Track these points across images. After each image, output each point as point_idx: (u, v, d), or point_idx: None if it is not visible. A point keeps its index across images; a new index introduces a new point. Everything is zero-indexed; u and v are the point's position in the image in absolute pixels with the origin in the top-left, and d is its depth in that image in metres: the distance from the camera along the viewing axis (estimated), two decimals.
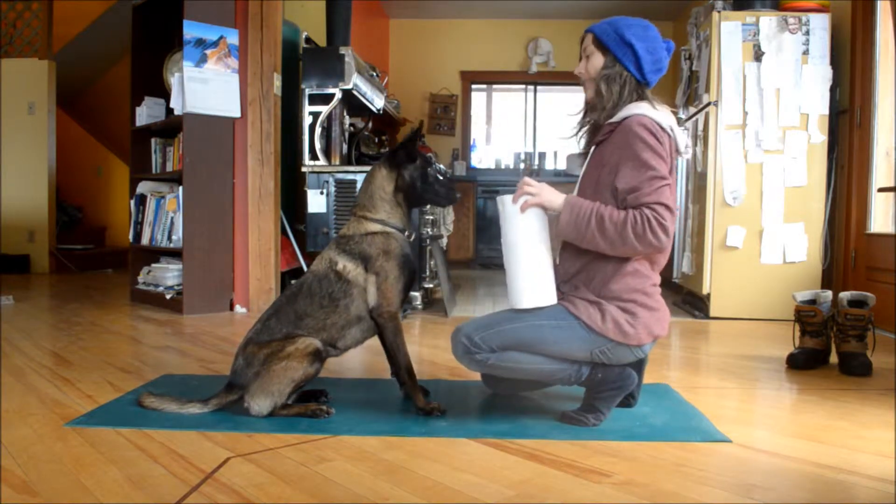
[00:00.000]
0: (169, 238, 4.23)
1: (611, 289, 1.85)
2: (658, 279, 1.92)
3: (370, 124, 5.26)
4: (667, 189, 1.78)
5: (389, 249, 2.01)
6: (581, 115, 2.05)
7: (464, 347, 1.89)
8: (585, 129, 2.04)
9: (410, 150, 2.07)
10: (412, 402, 2.01)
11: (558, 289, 1.90)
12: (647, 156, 1.78)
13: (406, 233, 2.08)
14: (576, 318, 1.84)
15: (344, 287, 1.98)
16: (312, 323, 1.97)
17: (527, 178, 1.89)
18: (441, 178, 2.12)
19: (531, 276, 1.85)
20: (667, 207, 1.76)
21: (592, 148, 1.96)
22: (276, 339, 1.94)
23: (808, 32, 3.90)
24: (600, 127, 1.96)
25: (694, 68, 4.43)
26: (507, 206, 1.87)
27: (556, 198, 1.86)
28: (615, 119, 1.89)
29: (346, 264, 2.00)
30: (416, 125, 2.17)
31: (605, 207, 1.80)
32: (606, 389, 1.90)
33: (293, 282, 2.05)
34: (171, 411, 1.96)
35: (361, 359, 2.77)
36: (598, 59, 1.93)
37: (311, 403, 1.99)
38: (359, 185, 4.07)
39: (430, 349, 3.02)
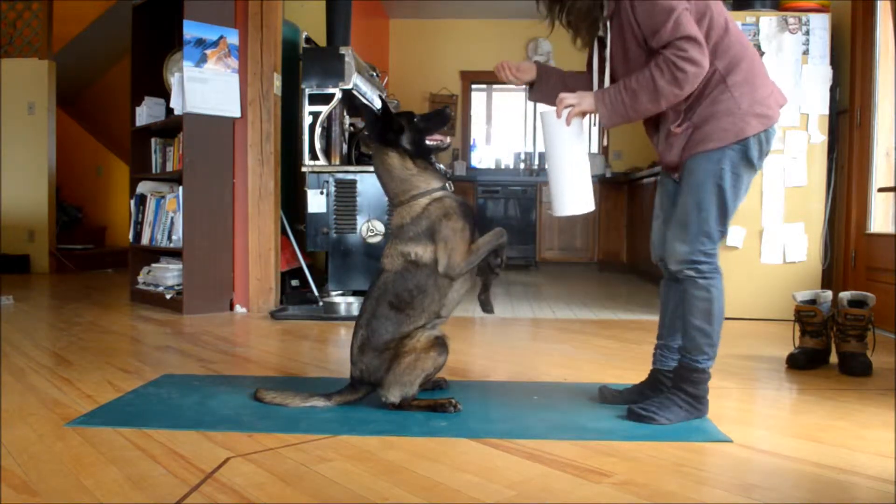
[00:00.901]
0: (169, 238, 4.23)
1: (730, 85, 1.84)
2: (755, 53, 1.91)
3: None
4: (684, 16, 1.77)
5: (447, 209, 2.05)
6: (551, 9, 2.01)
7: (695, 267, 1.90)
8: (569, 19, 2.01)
9: (391, 123, 2.09)
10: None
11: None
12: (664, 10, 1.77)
13: (445, 185, 2.12)
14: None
15: (425, 271, 2.02)
16: (413, 311, 2.02)
17: (563, 94, 1.93)
18: (425, 118, 2.14)
19: (574, 185, 1.95)
20: (687, 38, 1.75)
21: (608, 29, 1.95)
22: (388, 339, 2.01)
23: (808, 32, 3.90)
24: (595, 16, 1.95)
25: None
26: (551, 119, 1.95)
27: (592, 99, 1.90)
28: None
29: (416, 250, 2.03)
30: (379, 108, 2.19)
31: (630, 77, 1.83)
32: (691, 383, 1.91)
33: (375, 283, 2.11)
34: (296, 405, 2.03)
35: None
36: None
37: (439, 398, 2.04)
38: (359, 186, 4.08)
39: None
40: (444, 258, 2.01)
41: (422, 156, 2.11)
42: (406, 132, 2.09)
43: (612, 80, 1.99)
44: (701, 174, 1.87)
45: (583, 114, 1.93)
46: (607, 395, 2.14)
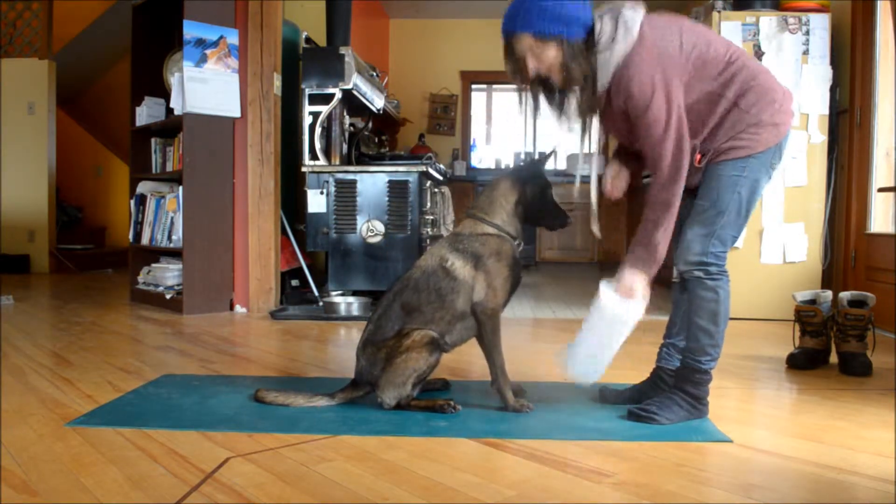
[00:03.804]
0: (169, 238, 4.23)
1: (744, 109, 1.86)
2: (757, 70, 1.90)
3: (370, 124, 5.26)
4: (665, 136, 1.80)
5: (502, 251, 2.06)
6: (565, 108, 2.00)
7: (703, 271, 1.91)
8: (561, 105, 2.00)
9: (538, 169, 2.13)
10: (502, 400, 2.03)
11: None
12: (647, 111, 1.81)
13: (517, 241, 2.12)
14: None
15: (451, 283, 2.02)
16: (420, 317, 2.02)
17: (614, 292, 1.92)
18: (556, 203, 2.16)
19: (595, 357, 1.97)
20: (667, 163, 1.81)
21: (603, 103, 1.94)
22: (391, 336, 2.01)
23: (808, 32, 3.90)
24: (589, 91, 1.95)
25: None
26: (618, 314, 1.92)
27: (628, 273, 1.89)
28: (612, 67, 1.85)
29: (455, 261, 2.04)
30: (551, 150, 2.22)
31: (638, 231, 1.88)
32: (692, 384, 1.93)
33: (400, 277, 2.11)
34: (299, 405, 2.03)
35: None
36: (550, 51, 1.85)
37: (438, 399, 2.04)
38: (359, 186, 4.08)
39: None
40: (482, 290, 2.02)
41: (525, 209, 2.11)
42: (536, 184, 2.10)
43: (607, 132, 2.04)
44: (723, 180, 1.89)
45: (638, 287, 1.89)
46: (608, 396, 2.15)
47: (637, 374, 2.32)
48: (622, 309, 1.90)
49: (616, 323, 1.92)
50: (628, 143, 2.04)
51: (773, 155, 1.91)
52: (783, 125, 1.89)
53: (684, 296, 2.11)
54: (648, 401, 1.98)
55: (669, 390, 2.00)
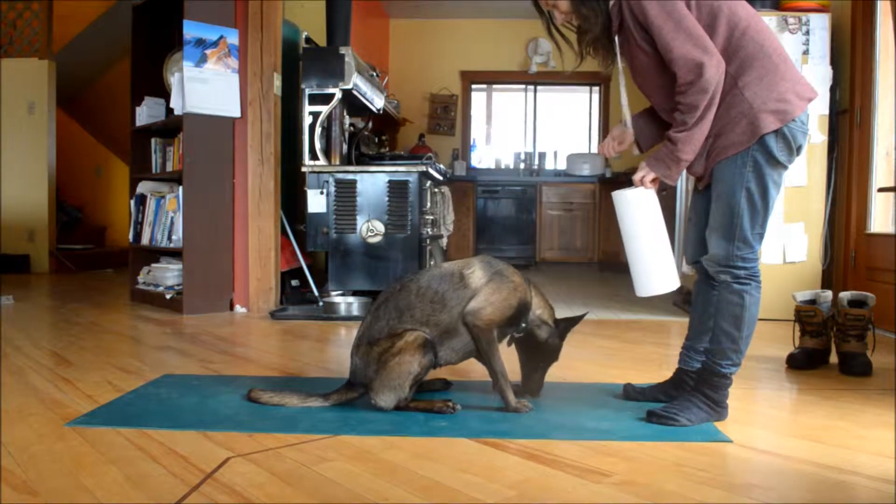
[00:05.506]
0: (169, 238, 4.23)
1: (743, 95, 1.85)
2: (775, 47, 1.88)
3: (370, 124, 5.26)
4: (679, 38, 1.79)
5: (518, 290, 2.07)
6: (580, 42, 2.07)
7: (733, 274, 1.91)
8: (590, 46, 2.06)
9: (563, 331, 2.19)
10: (503, 400, 2.03)
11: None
12: (657, 24, 1.82)
13: (524, 324, 2.11)
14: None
15: (460, 292, 2.02)
16: (409, 320, 2.01)
17: (636, 177, 1.98)
18: (542, 376, 2.19)
19: (655, 265, 1.97)
20: (684, 57, 1.79)
21: (617, 44, 1.99)
22: (384, 336, 2.00)
23: (808, 32, 3.90)
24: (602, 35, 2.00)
25: None
26: (622, 200, 1.97)
27: (647, 166, 1.95)
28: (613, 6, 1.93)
29: (476, 271, 2.05)
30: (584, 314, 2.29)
31: (668, 132, 1.90)
32: (711, 387, 1.93)
33: (400, 277, 2.14)
34: (294, 406, 2.03)
35: None
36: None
37: (436, 401, 2.03)
38: (359, 186, 4.07)
39: None
40: (478, 302, 2.01)
41: (528, 340, 2.16)
42: (554, 339, 2.17)
43: (641, 89, 2.04)
44: (728, 180, 1.88)
45: (654, 181, 1.95)
46: (631, 393, 2.17)
47: (637, 374, 2.32)
48: (632, 191, 1.96)
49: (632, 209, 1.96)
50: (653, 93, 2.01)
51: (772, 144, 1.83)
52: (781, 113, 1.82)
53: (701, 298, 2.11)
54: (668, 403, 1.98)
55: (689, 392, 1.99)
